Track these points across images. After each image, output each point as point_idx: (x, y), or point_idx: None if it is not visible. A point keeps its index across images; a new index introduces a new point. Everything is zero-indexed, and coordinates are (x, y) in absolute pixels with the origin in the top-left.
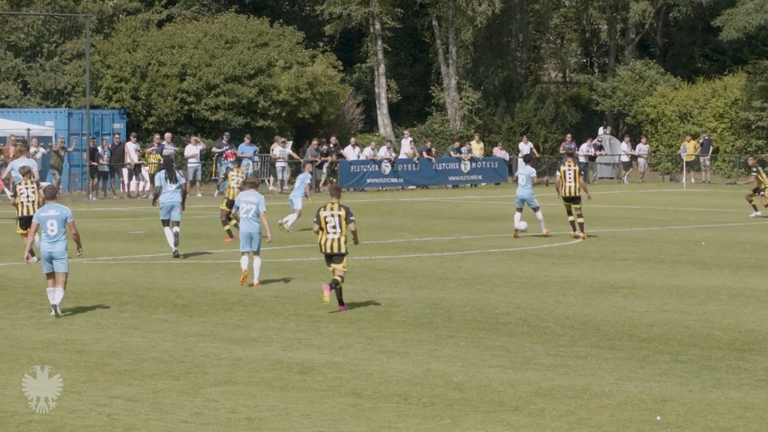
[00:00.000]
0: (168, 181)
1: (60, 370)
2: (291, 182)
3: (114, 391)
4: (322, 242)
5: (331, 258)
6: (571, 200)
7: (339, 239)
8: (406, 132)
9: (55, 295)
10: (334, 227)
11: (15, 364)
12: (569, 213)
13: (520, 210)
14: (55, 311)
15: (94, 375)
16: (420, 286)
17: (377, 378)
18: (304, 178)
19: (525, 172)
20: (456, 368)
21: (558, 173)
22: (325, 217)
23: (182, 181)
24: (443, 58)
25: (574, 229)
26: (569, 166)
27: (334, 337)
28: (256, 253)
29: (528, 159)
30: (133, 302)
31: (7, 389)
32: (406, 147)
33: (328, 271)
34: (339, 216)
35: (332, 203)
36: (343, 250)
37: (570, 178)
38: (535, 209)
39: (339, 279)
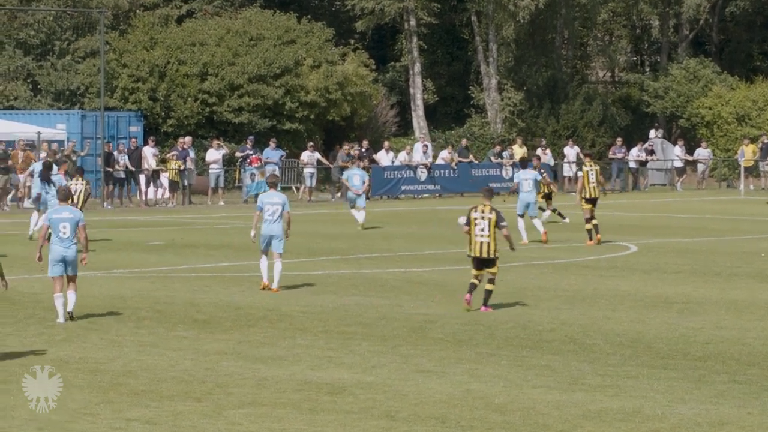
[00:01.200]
0: (47, 184)
1: (72, 390)
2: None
3: (130, 413)
4: (471, 245)
5: (481, 262)
6: (593, 202)
7: (489, 243)
8: (421, 136)
9: (68, 300)
10: (482, 230)
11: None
12: (590, 218)
13: (522, 216)
14: (66, 317)
15: (109, 396)
16: (459, 301)
17: (413, 399)
18: (364, 176)
19: (530, 176)
20: (497, 389)
21: (580, 174)
22: (475, 219)
23: (62, 182)
24: (483, 57)
25: (591, 238)
26: (590, 165)
27: (366, 356)
28: (279, 255)
29: (525, 163)
30: (151, 318)
31: (16, 411)
32: (418, 153)
33: (472, 274)
34: (489, 219)
35: (483, 205)
36: (492, 255)
37: (593, 178)
38: (534, 217)
39: (490, 288)
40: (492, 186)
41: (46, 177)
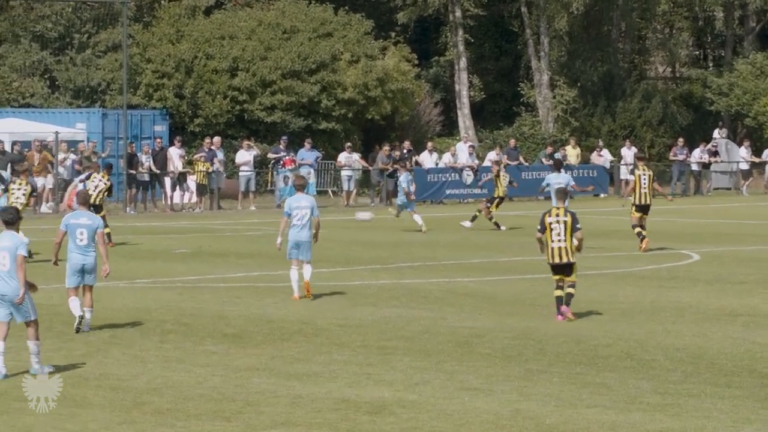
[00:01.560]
0: None
1: (93, 409)
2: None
3: None
4: (548, 251)
5: (560, 268)
6: (644, 209)
7: (567, 248)
8: (466, 136)
9: (84, 317)
10: (559, 234)
11: None
12: (638, 224)
13: None
14: (79, 328)
15: (132, 415)
16: (507, 314)
17: (458, 419)
18: (409, 181)
19: (562, 180)
20: (549, 408)
21: (632, 178)
22: (550, 224)
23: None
24: (534, 51)
25: (643, 239)
26: (643, 170)
27: (408, 372)
28: (307, 262)
29: (560, 164)
30: (177, 331)
31: (34, 430)
32: (464, 154)
33: (554, 284)
34: (564, 222)
35: (557, 208)
36: (571, 260)
37: (644, 184)
38: None
39: (571, 292)
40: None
41: None
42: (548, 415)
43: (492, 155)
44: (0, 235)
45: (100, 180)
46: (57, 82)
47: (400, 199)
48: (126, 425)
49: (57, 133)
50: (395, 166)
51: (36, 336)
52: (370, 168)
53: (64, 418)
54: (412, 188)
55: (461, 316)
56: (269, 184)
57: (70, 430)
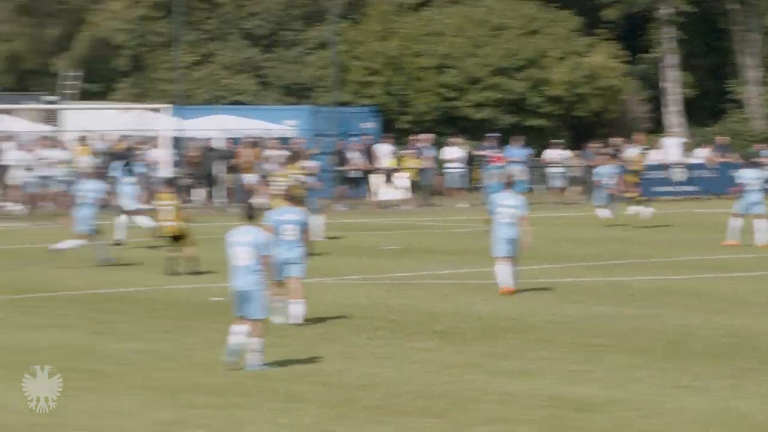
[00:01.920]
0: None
1: (308, 405)
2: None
3: (365, 430)
4: None
5: None
6: None
7: None
8: (673, 133)
9: (297, 310)
10: None
11: (260, 397)
12: None
13: (739, 216)
14: (289, 320)
15: (343, 411)
16: (718, 311)
17: (668, 417)
18: (605, 173)
19: (756, 175)
20: (759, 406)
21: None
22: None
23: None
24: (743, 47)
25: None
26: None
27: (618, 370)
28: (513, 259)
29: (753, 160)
30: (386, 328)
31: (251, 425)
32: (674, 151)
33: None
34: None
35: None
36: None
37: None
38: (759, 216)
39: None
40: None
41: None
42: (758, 413)
43: (702, 152)
44: (240, 230)
45: (289, 177)
46: (266, 80)
47: (598, 195)
48: (338, 420)
49: (267, 129)
50: (610, 161)
51: (260, 333)
52: (581, 165)
53: (278, 413)
54: (612, 182)
55: (672, 313)
56: (478, 181)
57: (284, 424)
